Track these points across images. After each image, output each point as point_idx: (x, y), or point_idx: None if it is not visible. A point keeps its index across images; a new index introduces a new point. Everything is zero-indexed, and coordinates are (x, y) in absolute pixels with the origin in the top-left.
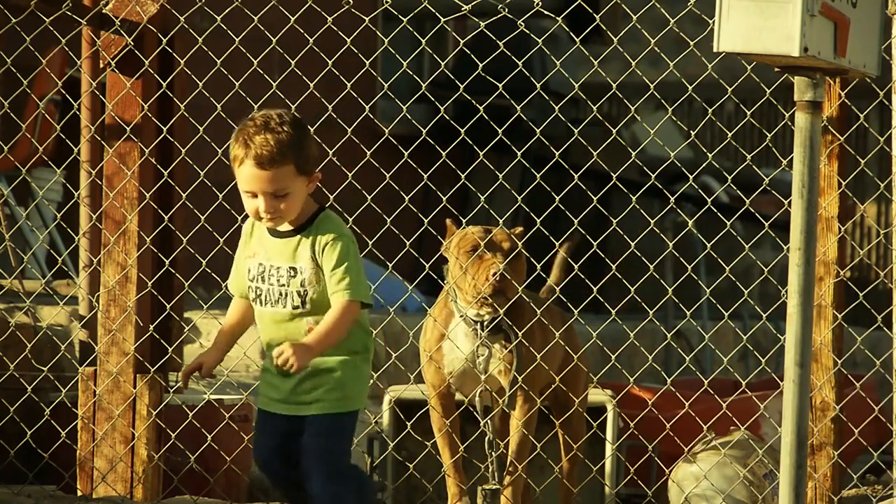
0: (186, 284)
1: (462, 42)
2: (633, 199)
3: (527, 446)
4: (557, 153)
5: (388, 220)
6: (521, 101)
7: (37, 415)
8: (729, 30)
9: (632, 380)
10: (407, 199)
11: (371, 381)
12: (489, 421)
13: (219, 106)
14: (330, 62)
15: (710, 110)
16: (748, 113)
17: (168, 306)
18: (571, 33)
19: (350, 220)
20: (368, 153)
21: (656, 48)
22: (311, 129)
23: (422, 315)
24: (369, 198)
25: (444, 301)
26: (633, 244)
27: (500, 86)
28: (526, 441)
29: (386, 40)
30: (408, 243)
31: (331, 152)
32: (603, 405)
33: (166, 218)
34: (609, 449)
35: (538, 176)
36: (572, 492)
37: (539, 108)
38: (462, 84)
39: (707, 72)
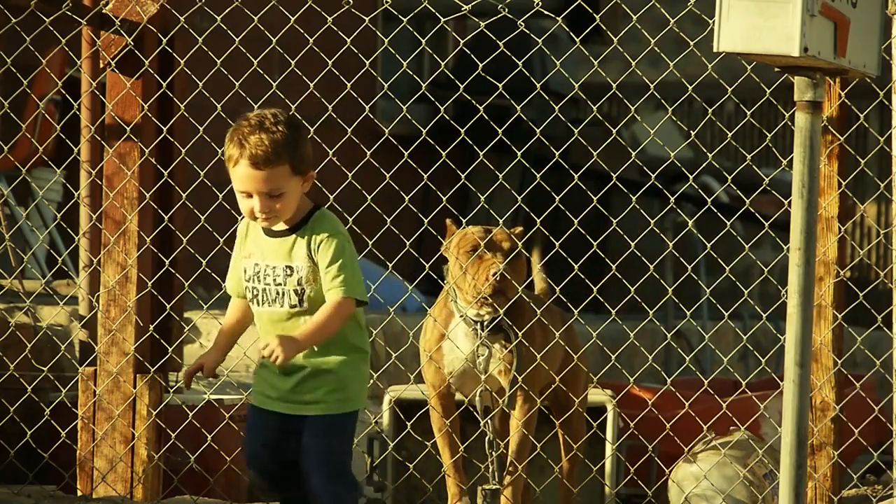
0: (186, 284)
1: (462, 42)
2: (633, 199)
3: (527, 446)
4: (557, 153)
5: (388, 220)
6: (521, 101)
7: (37, 415)
8: (729, 30)
9: (632, 380)
10: (407, 199)
11: (371, 381)
12: (489, 421)
13: (219, 106)
14: (330, 62)
15: (710, 110)
16: (748, 113)
17: (168, 306)
18: (571, 33)
19: (350, 220)
20: (368, 153)
21: (656, 48)
22: (312, 129)
23: (422, 315)
24: (369, 198)
25: (444, 301)
26: (633, 244)
27: (500, 86)
28: (526, 441)
29: (386, 40)
30: (408, 243)
31: (331, 152)
32: (603, 405)
33: (166, 218)
34: (609, 449)
35: (538, 176)
36: (572, 492)
37: (539, 108)
38: (462, 84)
39: (707, 72)
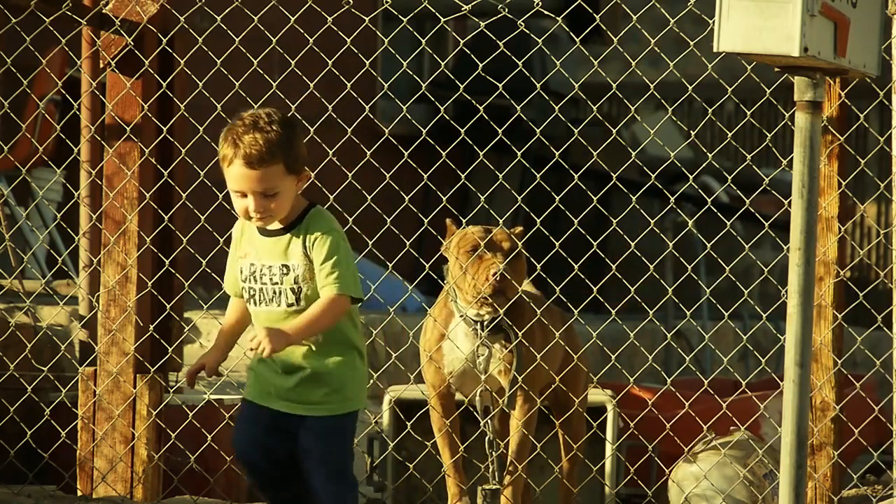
0: (186, 284)
1: (462, 42)
2: (633, 199)
3: (527, 446)
4: (557, 153)
5: (388, 220)
6: (521, 101)
7: (37, 415)
8: (729, 30)
9: (632, 380)
10: (407, 199)
11: (371, 382)
12: (489, 421)
13: (219, 106)
14: (330, 62)
15: (710, 110)
16: (748, 113)
17: (168, 306)
18: (571, 33)
19: (350, 220)
20: (368, 153)
21: (656, 48)
22: (312, 129)
23: (422, 315)
24: (369, 198)
25: (444, 301)
26: (633, 244)
27: (500, 86)
28: (526, 441)
29: (386, 40)
30: (408, 243)
31: (331, 152)
32: (603, 405)
33: (166, 218)
34: (609, 449)
35: (538, 176)
36: (572, 492)
37: (539, 108)
38: (462, 84)
39: (707, 72)
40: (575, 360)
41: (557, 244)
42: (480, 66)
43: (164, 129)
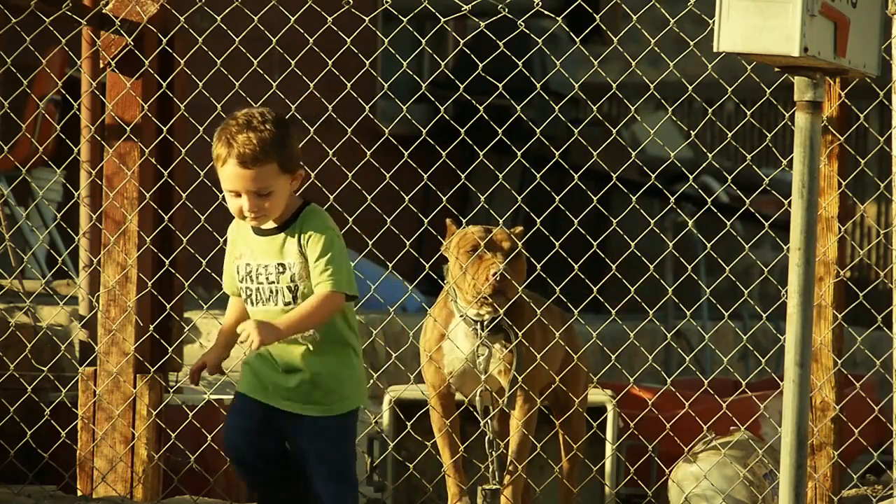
0: (186, 284)
1: (462, 42)
2: (633, 199)
3: (527, 446)
4: (557, 153)
5: (388, 220)
6: (521, 101)
7: (37, 415)
8: (729, 30)
9: (632, 380)
10: (407, 199)
11: (371, 381)
12: (489, 421)
13: (219, 106)
14: (330, 62)
15: (710, 110)
16: (748, 113)
17: (168, 306)
18: (571, 33)
19: (350, 220)
20: (368, 153)
21: (656, 48)
22: (312, 129)
23: (422, 315)
24: (369, 198)
25: (444, 301)
26: (633, 244)
27: (500, 86)
28: (526, 441)
29: (386, 40)
30: (408, 243)
31: (331, 152)
32: (603, 405)
33: (166, 218)
34: (609, 449)
35: (538, 176)
36: (572, 492)
37: (539, 108)
38: (462, 84)
39: (707, 72)
40: (575, 360)
41: (557, 244)
42: (480, 66)
43: (164, 129)
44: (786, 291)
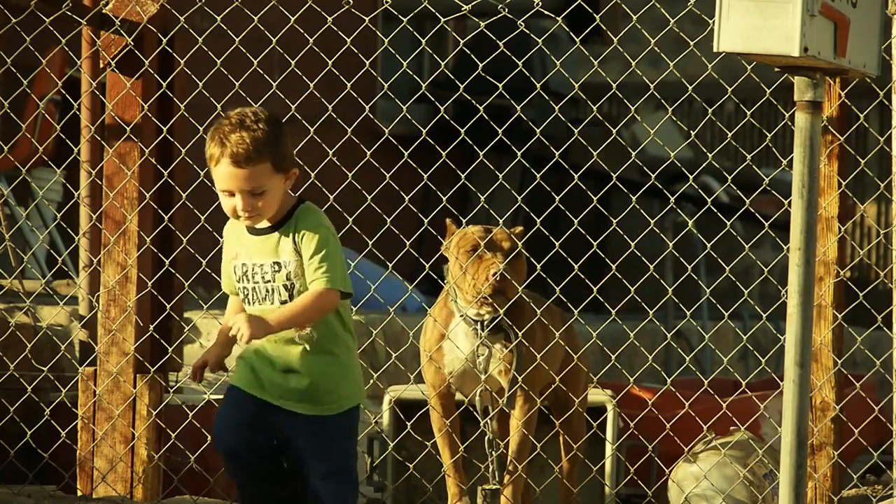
0: (186, 284)
1: (462, 42)
2: (633, 199)
3: (527, 446)
4: (557, 153)
5: (388, 220)
6: (521, 101)
7: (37, 415)
8: (729, 30)
9: (632, 380)
10: (407, 199)
11: (371, 381)
12: (489, 421)
13: (219, 106)
14: (330, 62)
15: (710, 110)
16: (748, 113)
17: (168, 306)
18: (571, 33)
19: (350, 220)
20: (368, 153)
21: (656, 48)
22: (312, 129)
23: (422, 315)
24: (369, 198)
25: (444, 301)
26: (633, 244)
27: (500, 86)
28: (526, 441)
29: (386, 40)
30: (408, 243)
31: (331, 152)
32: (603, 405)
33: (166, 218)
34: (609, 449)
35: (538, 176)
36: (572, 492)
37: (539, 108)
38: (462, 84)
39: (707, 72)
40: (575, 360)
41: (557, 244)
42: (480, 66)
43: (164, 129)
44: (786, 291)
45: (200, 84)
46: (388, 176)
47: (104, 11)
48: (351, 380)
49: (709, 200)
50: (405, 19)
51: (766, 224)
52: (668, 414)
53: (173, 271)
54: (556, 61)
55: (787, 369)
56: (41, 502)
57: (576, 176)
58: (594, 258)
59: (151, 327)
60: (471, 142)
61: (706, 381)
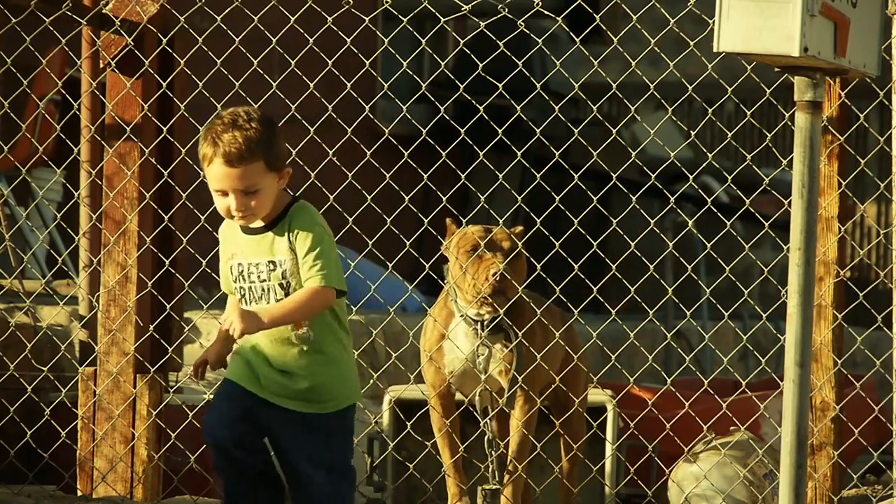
0: (186, 284)
1: (462, 42)
2: (633, 199)
3: (527, 446)
4: (557, 153)
5: (388, 220)
6: (521, 101)
7: (37, 415)
8: (729, 30)
9: (632, 380)
10: (407, 199)
11: (371, 381)
12: (489, 421)
13: (219, 106)
14: (330, 62)
15: (710, 110)
16: (748, 113)
17: (168, 306)
18: (571, 33)
19: (350, 220)
20: (368, 153)
21: (656, 48)
22: (312, 129)
23: (422, 315)
24: (369, 198)
25: (444, 301)
26: (633, 244)
27: (500, 86)
28: (526, 441)
29: (386, 40)
30: (408, 243)
31: (331, 152)
32: (603, 405)
33: (166, 218)
34: (609, 449)
35: (538, 176)
36: (572, 492)
37: (539, 108)
38: (462, 84)
39: (707, 72)
40: (575, 360)
41: (557, 244)
42: (480, 66)
43: (164, 129)
44: (786, 291)
45: (200, 84)
46: (388, 176)
47: (104, 11)
48: (349, 378)
49: (709, 200)
50: (405, 19)
51: (766, 224)
52: (668, 414)
53: (173, 271)
54: (556, 61)
55: (787, 369)
56: (41, 502)
57: (576, 176)
58: (594, 258)
59: (151, 327)
60: (471, 142)
61: (706, 381)
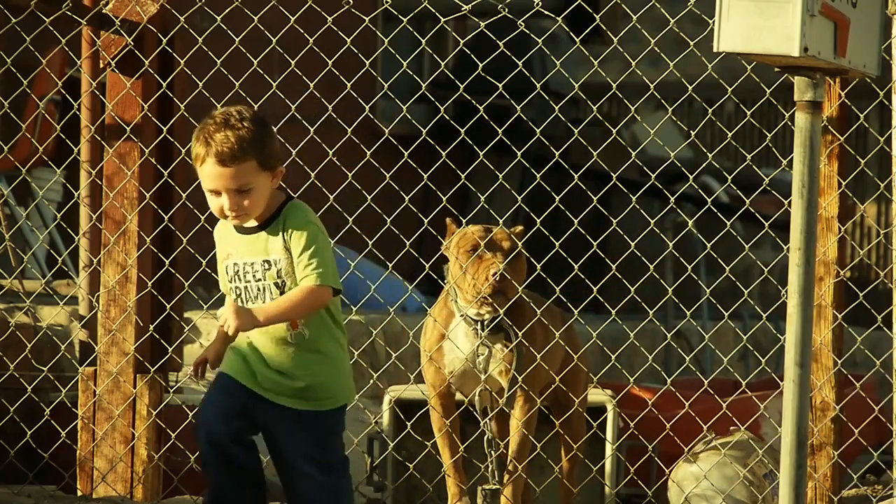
0: (186, 284)
1: (462, 42)
2: (633, 199)
3: (527, 446)
4: (557, 153)
5: (388, 220)
6: (521, 101)
7: (37, 415)
8: (729, 30)
9: (632, 380)
10: (407, 199)
11: (371, 382)
12: (489, 421)
13: (219, 106)
14: (330, 62)
15: (710, 110)
16: (748, 113)
17: (168, 306)
18: (571, 33)
19: (350, 220)
20: (368, 153)
21: (656, 48)
22: (312, 129)
23: (422, 315)
24: (369, 198)
25: (444, 301)
26: (633, 244)
27: (500, 86)
28: (526, 441)
29: (386, 40)
30: (408, 243)
31: (331, 152)
32: (603, 405)
33: (166, 218)
34: (609, 449)
35: (538, 176)
36: (572, 492)
37: (539, 108)
38: (462, 84)
39: (707, 72)
40: (575, 360)
41: (557, 244)
42: (480, 66)
43: (164, 129)
44: (786, 291)
45: (200, 84)
46: (388, 176)
47: (104, 11)
48: (344, 376)
49: (709, 200)
50: (405, 19)
51: (766, 224)
52: (668, 414)
53: (173, 271)
54: (556, 61)
55: (787, 369)
56: (41, 502)
57: (576, 176)
58: (594, 258)
59: (151, 327)
60: (471, 142)
61: (706, 381)
